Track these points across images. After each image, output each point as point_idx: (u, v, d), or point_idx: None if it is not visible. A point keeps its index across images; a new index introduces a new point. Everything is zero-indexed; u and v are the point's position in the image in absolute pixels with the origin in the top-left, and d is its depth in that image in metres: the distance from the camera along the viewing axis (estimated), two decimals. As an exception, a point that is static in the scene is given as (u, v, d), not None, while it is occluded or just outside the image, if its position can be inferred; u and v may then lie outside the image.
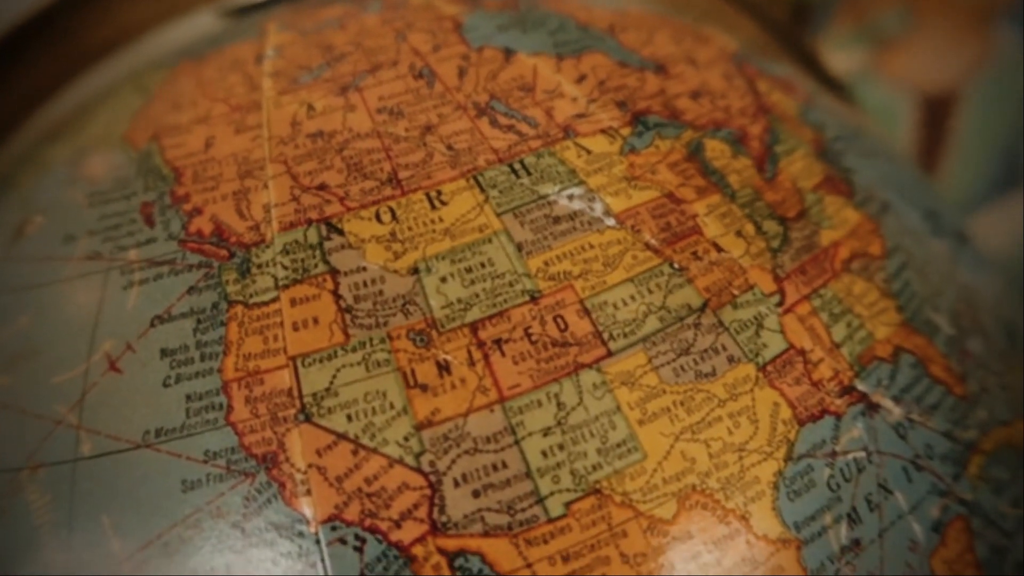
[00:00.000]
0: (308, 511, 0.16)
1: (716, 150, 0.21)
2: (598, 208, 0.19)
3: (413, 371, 0.17)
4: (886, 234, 0.22)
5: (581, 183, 0.19)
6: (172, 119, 0.22)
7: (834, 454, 0.18)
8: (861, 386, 0.19)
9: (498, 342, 0.17)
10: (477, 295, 0.18)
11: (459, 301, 0.18)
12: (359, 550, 0.16)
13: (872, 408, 0.19)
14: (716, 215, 0.20)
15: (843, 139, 0.24)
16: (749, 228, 0.20)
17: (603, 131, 0.21)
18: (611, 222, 0.19)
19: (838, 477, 0.18)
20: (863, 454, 0.18)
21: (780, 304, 0.19)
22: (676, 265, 0.19)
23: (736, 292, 0.19)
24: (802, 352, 0.19)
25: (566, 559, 0.16)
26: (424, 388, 0.17)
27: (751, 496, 0.17)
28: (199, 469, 0.17)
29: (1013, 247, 0.55)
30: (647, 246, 0.19)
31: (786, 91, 0.25)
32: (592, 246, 0.19)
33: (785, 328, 0.19)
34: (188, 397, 0.17)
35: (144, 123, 0.23)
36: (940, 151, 0.58)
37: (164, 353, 0.18)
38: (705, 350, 0.18)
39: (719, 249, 0.19)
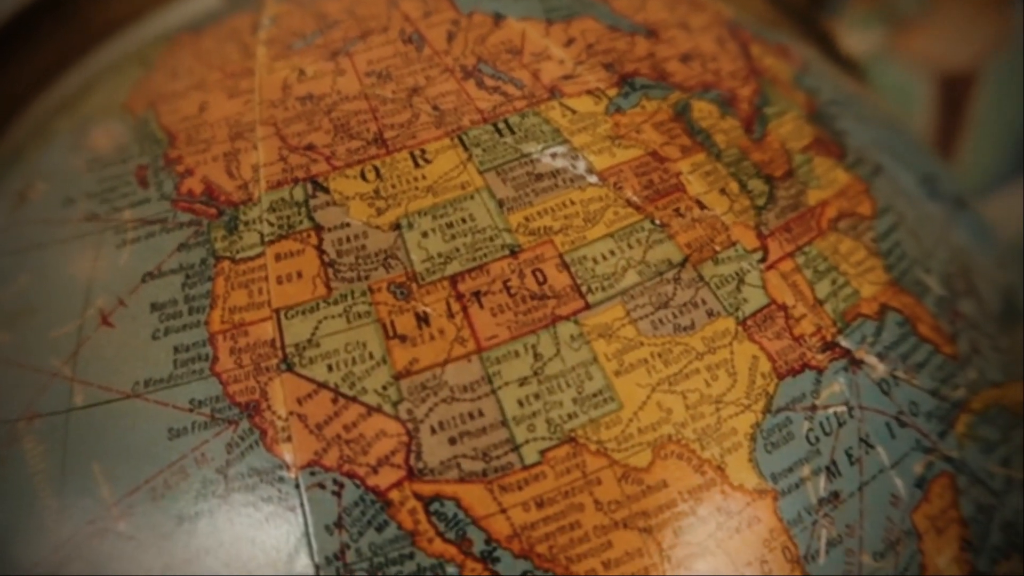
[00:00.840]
0: (288, 457, 0.16)
1: (703, 111, 0.21)
2: (581, 166, 0.19)
3: (393, 322, 0.17)
4: (877, 195, 0.22)
5: (565, 142, 0.20)
6: (169, 87, 0.23)
7: (814, 408, 0.18)
8: (844, 342, 0.19)
9: (477, 295, 0.18)
10: (457, 249, 0.18)
11: (439, 255, 0.18)
12: (337, 495, 0.16)
13: (855, 364, 0.19)
14: (700, 173, 0.20)
15: (838, 103, 0.24)
16: (733, 186, 0.20)
17: (589, 92, 0.21)
18: (593, 179, 0.19)
19: (817, 431, 0.18)
20: (844, 409, 0.18)
21: (763, 260, 0.19)
22: (657, 221, 0.19)
23: (718, 248, 0.19)
24: (784, 307, 0.19)
25: (540, 505, 0.16)
26: (403, 339, 0.17)
27: (727, 447, 0.17)
28: (185, 417, 0.17)
29: (1032, 228, 0.54)
30: (628, 203, 0.19)
31: (780, 56, 0.25)
32: (573, 202, 0.19)
33: (767, 284, 0.19)
34: (176, 349, 0.18)
35: (143, 92, 0.23)
36: (957, 132, 0.58)
37: (154, 307, 0.18)
38: (684, 304, 0.18)
39: (702, 206, 0.19)
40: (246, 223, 0.19)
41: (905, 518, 0.18)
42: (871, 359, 0.19)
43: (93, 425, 0.18)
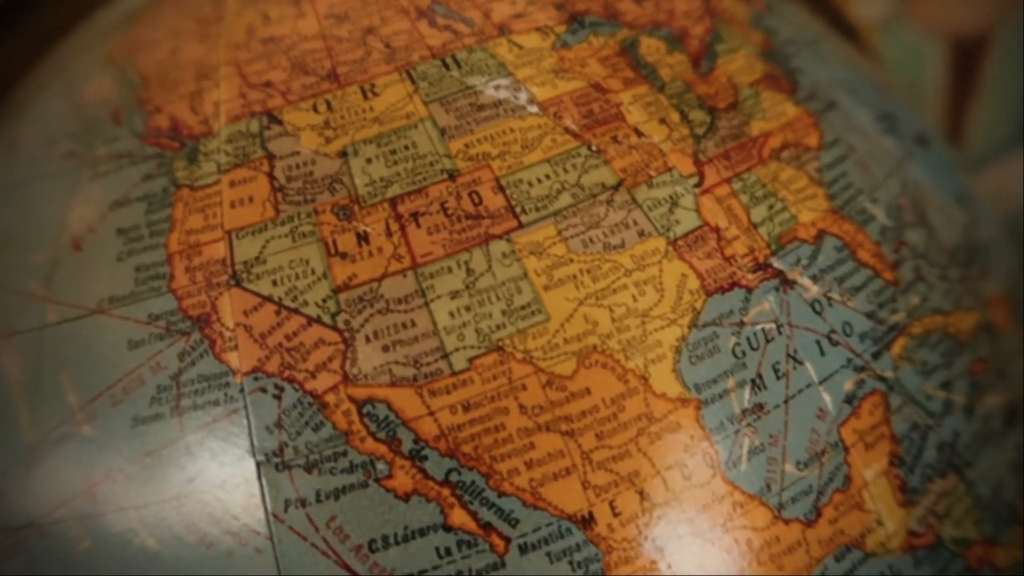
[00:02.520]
0: (234, 364, 0.18)
1: (651, 47, 0.22)
2: (523, 97, 0.20)
3: (335, 241, 0.18)
4: (826, 128, 0.22)
5: (509, 75, 0.20)
6: (149, 36, 0.24)
7: (741, 324, 0.18)
8: (777, 263, 0.19)
9: (415, 215, 0.18)
10: (399, 174, 0.19)
11: (381, 179, 0.19)
12: (277, 398, 0.17)
13: (787, 284, 0.19)
14: (641, 104, 0.20)
15: (797, 43, 0.25)
16: (674, 116, 0.20)
17: (538, 29, 0.21)
18: (534, 109, 0.20)
19: (744, 345, 0.18)
20: (772, 326, 0.19)
21: (698, 185, 0.20)
22: (594, 147, 0.19)
23: (653, 173, 0.19)
24: (716, 229, 0.19)
25: (467, 408, 0.17)
26: (344, 256, 0.18)
27: (652, 358, 0.18)
28: (143, 330, 0.18)
29: (1045, 192, 0.53)
30: (567, 130, 0.20)
31: (742, -1, 0.25)
32: (513, 130, 0.19)
33: (701, 207, 0.19)
34: (137, 269, 0.19)
35: (125, 43, 0.25)
36: (970, 96, 0.57)
37: (119, 232, 0.20)
38: (616, 224, 0.19)
39: (640, 134, 0.20)
40: (205, 154, 0.20)
41: (832, 431, 0.19)
42: (804, 280, 0.19)
43: (63, 340, 0.19)
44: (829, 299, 0.19)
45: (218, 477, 0.17)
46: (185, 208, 0.19)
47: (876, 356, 0.20)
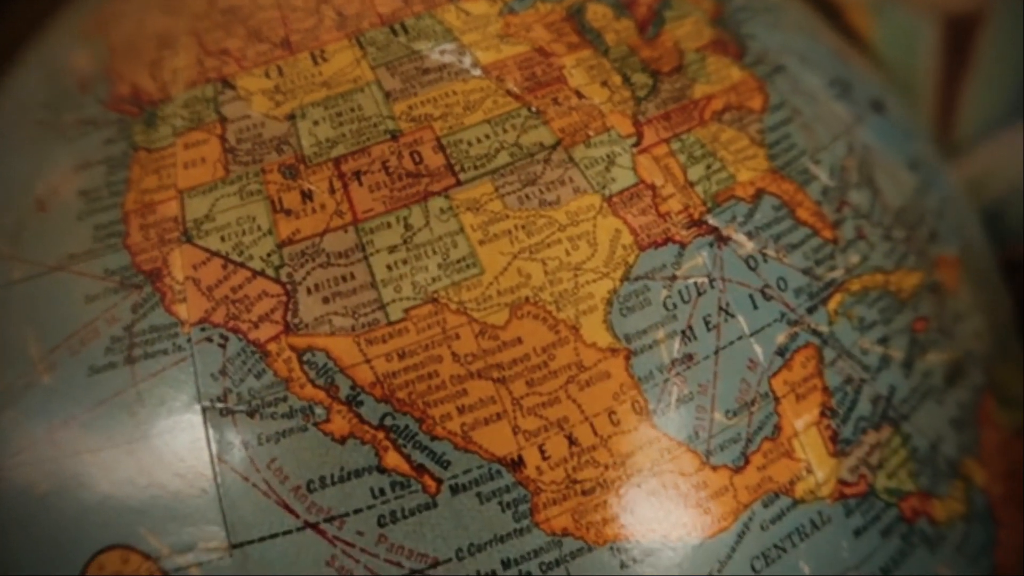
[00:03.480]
0: (183, 315, 0.18)
1: (597, 12, 0.22)
2: (467, 61, 0.21)
3: (280, 199, 0.19)
4: (772, 92, 0.23)
5: (455, 40, 0.21)
6: (119, 10, 0.25)
7: (674, 278, 0.19)
8: (712, 220, 0.20)
9: (357, 174, 0.19)
10: (344, 135, 0.20)
11: (327, 140, 0.20)
12: (222, 347, 0.18)
13: (722, 240, 0.20)
14: (584, 67, 0.21)
15: (750, 10, 0.25)
16: (616, 79, 0.21)
17: (487, -3, 0.22)
18: (477, 72, 0.20)
19: (675, 298, 0.19)
20: (705, 280, 0.19)
21: (636, 145, 0.20)
22: (534, 109, 0.20)
23: (591, 133, 0.20)
24: (652, 187, 0.20)
25: (401, 356, 0.18)
26: (288, 212, 0.19)
27: (583, 309, 0.18)
28: (99, 285, 0.19)
29: (1038, 169, 0.53)
30: (508, 92, 0.20)
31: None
32: (455, 93, 0.20)
33: (637, 165, 0.20)
34: (96, 227, 0.20)
35: (98, 17, 0.25)
36: (963, 74, 0.56)
37: (81, 193, 0.20)
38: (551, 182, 0.19)
39: (580, 96, 0.20)
40: (162, 118, 0.21)
41: (763, 382, 0.19)
42: (739, 237, 0.20)
43: (27, 296, 0.20)
44: (764, 255, 0.20)
45: (166, 422, 0.18)
46: (142, 169, 0.20)
47: (811, 311, 0.20)
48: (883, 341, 0.21)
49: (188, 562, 0.17)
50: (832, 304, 0.20)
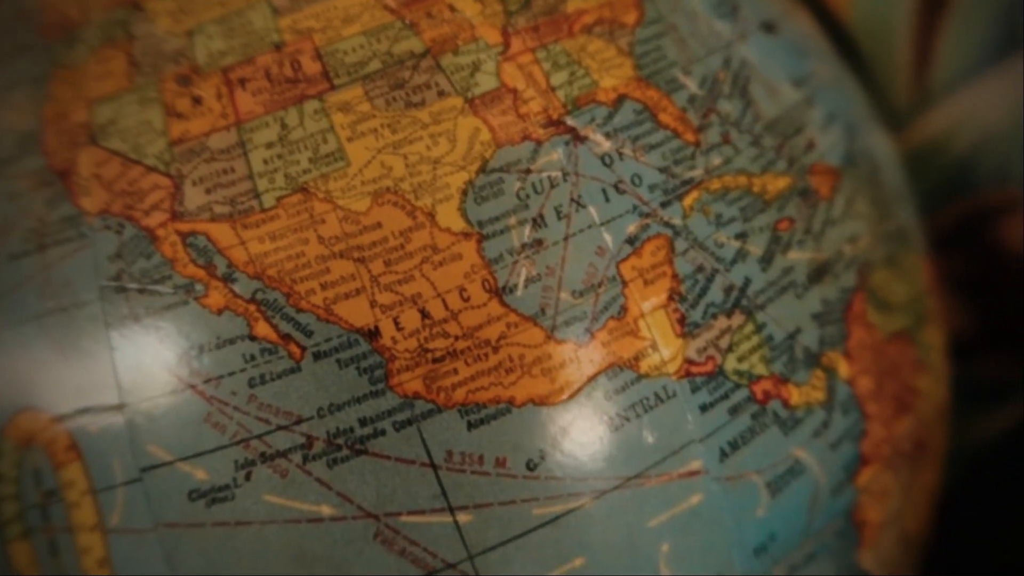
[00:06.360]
0: (87, 207, 0.21)
1: (482, -63, 0.24)
2: (351, -19, 0.22)
3: (174, 104, 0.21)
4: (648, 9, 0.24)
5: (342, -37, 0.23)
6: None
7: (528, 171, 0.21)
8: (571, 121, 0.21)
9: (242, 80, 0.21)
10: (233, 47, 0.22)
11: (219, 52, 0.22)
12: (119, 233, 0.20)
13: (578, 139, 0.21)
14: (460, -15, 0.23)
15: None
16: (490, -5, 0.23)
17: (378, -75, 0.24)
18: (359, -10, 0.22)
19: (528, 189, 0.20)
20: (559, 174, 0.21)
21: (502, 53, 0.22)
22: (408, 21, 0.22)
23: (460, 43, 0.22)
24: (513, 91, 0.21)
25: (272, 239, 0.20)
26: (179, 116, 0.21)
27: (439, 198, 0.20)
28: (19, 185, 0.22)
29: (1013, 114, 0.53)
30: (385, 7, 0.22)
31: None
32: (336, 8, 0.22)
33: (501, 71, 0.21)
34: (20, 136, 0.22)
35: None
36: (941, 17, 0.56)
37: (10, 108, 0.23)
38: (418, 86, 0.21)
39: (453, 10, 0.22)
40: (81, 40, 0.23)
41: (611, 266, 0.21)
42: (597, 137, 0.21)
43: (-38, 198, 0.23)
44: (620, 154, 0.21)
45: (70, 300, 0.20)
46: (60, 84, 0.22)
47: (665, 205, 0.21)
48: (741, 236, 0.22)
49: (87, 421, 0.20)
50: (688, 200, 0.22)
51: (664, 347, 0.21)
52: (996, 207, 0.49)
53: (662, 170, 0.22)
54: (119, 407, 0.20)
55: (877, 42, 0.50)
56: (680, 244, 0.21)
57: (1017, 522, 0.39)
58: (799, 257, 0.23)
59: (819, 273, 0.24)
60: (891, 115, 0.47)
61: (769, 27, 0.27)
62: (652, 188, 0.22)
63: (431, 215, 0.20)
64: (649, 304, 0.21)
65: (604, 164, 0.21)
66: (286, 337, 0.19)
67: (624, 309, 0.21)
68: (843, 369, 0.24)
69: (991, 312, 0.47)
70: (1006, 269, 0.47)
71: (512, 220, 0.20)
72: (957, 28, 0.54)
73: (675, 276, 0.21)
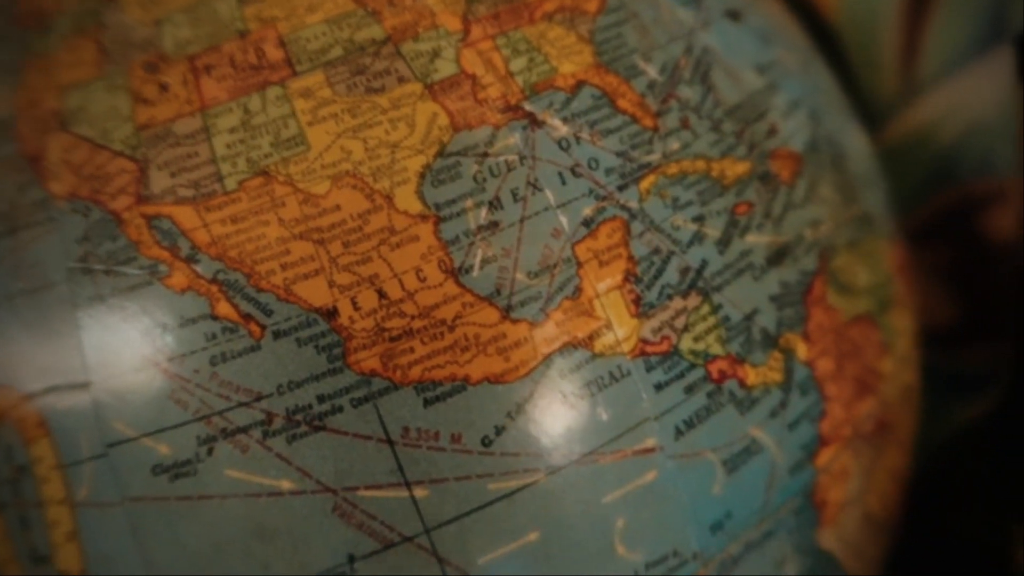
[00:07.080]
0: (56, 190, 0.21)
1: (446, -73, 0.24)
2: (316, -30, 0.23)
3: (141, 90, 0.22)
4: (611, -3, 0.24)
5: (308, -47, 0.23)
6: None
7: (485, 155, 0.21)
8: (528, 106, 0.22)
9: (208, 67, 0.22)
10: (199, 36, 0.22)
11: (185, 40, 0.22)
12: (86, 216, 0.21)
13: (536, 124, 0.22)
14: (423, -26, 0.23)
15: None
16: (452, -16, 0.23)
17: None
18: (324, -20, 0.23)
19: (485, 173, 0.21)
20: (515, 157, 0.21)
21: (462, 40, 0.22)
22: (370, 9, 0.22)
23: (421, 30, 0.22)
24: (472, 76, 0.22)
25: (235, 221, 0.20)
26: (146, 102, 0.21)
27: (397, 181, 0.21)
28: (-7, 170, 0.22)
29: (998, 105, 0.53)
30: (349, -4, 0.22)
31: None
32: (301, -3, 0.22)
33: (461, 58, 0.22)
34: (-5, 123, 0.23)
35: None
36: (928, 8, 0.56)
37: (-14, 96, 0.24)
38: (379, 72, 0.21)
39: (415, -2, 0.23)
40: (54, 30, 0.23)
41: (566, 248, 0.21)
42: (554, 122, 0.22)
43: (-61, 184, 0.23)
44: (578, 138, 0.22)
45: (40, 281, 0.21)
46: (33, 72, 0.23)
47: (621, 188, 0.22)
48: (698, 219, 0.23)
49: (55, 399, 0.20)
50: (645, 184, 0.22)
51: (619, 327, 0.21)
52: (981, 198, 0.49)
53: (619, 154, 0.22)
54: (86, 385, 0.20)
55: (864, 33, 0.50)
56: (636, 227, 0.22)
57: (994, 504, 0.39)
58: (758, 240, 0.24)
59: (778, 256, 0.24)
60: (877, 107, 0.48)
61: (734, 15, 0.27)
62: (609, 172, 0.22)
63: (389, 198, 0.20)
64: (604, 285, 0.21)
65: (561, 148, 0.22)
66: (247, 316, 0.20)
67: (579, 290, 0.21)
68: (801, 351, 0.24)
69: (975, 302, 0.47)
70: (990, 260, 0.48)
71: (469, 203, 0.21)
72: (944, 19, 0.55)
73: (631, 258, 0.22)
